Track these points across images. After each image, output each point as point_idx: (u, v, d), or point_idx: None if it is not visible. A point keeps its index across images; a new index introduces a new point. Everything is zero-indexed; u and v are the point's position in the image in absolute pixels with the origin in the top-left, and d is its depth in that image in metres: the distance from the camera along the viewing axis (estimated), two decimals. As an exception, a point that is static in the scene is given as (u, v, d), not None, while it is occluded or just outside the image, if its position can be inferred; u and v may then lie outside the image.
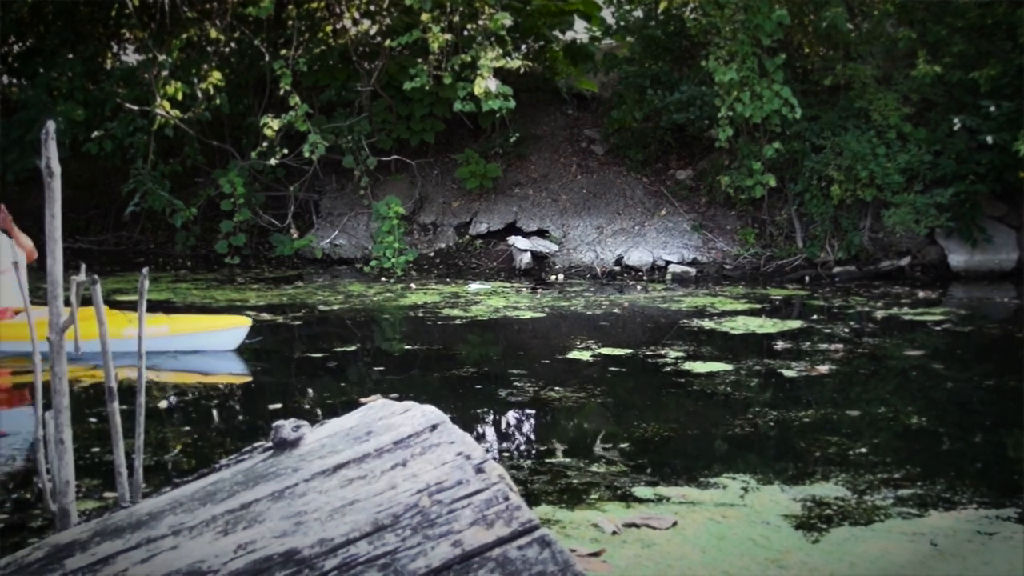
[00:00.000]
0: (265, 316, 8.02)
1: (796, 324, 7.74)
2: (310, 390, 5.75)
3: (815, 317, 8.25)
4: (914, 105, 11.34)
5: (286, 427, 1.92)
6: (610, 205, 12.66)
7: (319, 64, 12.88)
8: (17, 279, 2.17)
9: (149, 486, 2.28)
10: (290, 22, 12.93)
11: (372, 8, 13.10)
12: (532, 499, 3.50)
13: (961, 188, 10.61)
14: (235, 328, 6.52)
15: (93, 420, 4.60)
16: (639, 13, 12.99)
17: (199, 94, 12.52)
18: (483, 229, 12.66)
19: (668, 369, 5.99)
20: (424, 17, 11.15)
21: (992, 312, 9.03)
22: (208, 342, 6.42)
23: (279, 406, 5.23)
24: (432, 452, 1.77)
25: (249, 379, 6.11)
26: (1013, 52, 10.64)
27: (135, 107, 12.49)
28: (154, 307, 8.08)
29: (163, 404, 5.12)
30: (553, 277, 11.47)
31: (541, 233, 12.40)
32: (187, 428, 4.79)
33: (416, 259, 12.14)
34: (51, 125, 1.99)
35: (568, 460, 4.08)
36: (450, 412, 1.92)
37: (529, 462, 4.07)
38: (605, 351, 6.56)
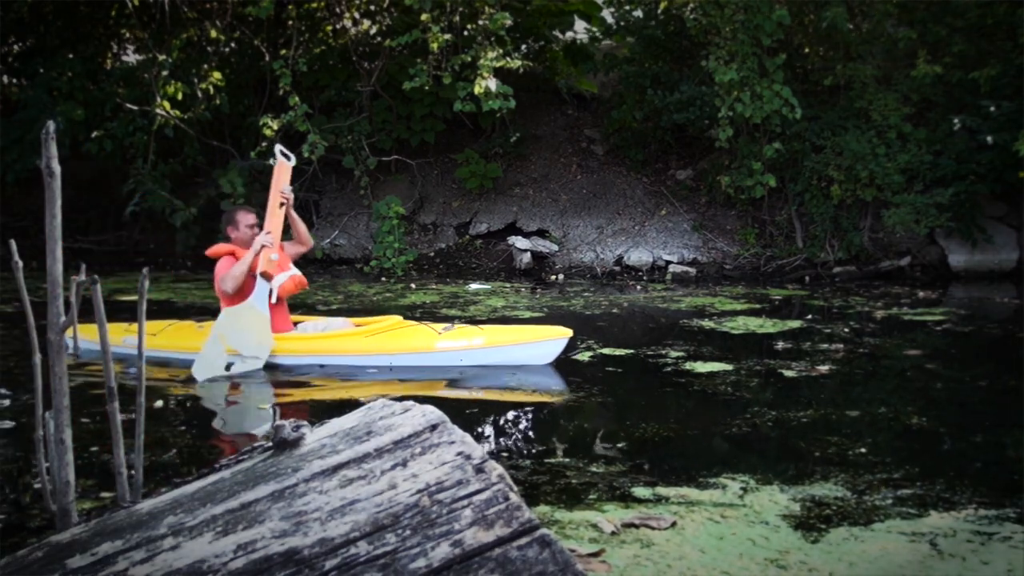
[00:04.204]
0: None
1: (796, 324, 7.74)
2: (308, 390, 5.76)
3: (815, 317, 8.25)
4: (914, 105, 11.35)
5: (286, 427, 1.92)
6: (610, 205, 12.67)
7: (319, 64, 12.89)
8: (16, 280, 2.17)
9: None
10: (290, 22, 12.94)
11: (372, 8, 13.11)
12: (531, 499, 3.50)
13: (961, 188, 10.61)
14: (554, 340, 6.06)
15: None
16: (639, 13, 12.99)
17: (199, 94, 12.52)
18: (483, 229, 12.67)
19: (668, 369, 5.99)
20: (424, 17, 11.15)
21: (992, 312, 9.03)
22: (525, 355, 6.01)
23: (266, 407, 5.24)
24: (432, 452, 1.77)
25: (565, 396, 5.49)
26: (1013, 52, 10.64)
27: (135, 107, 12.50)
28: (155, 307, 8.09)
29: (158, 404, 5.11)
30: (553, 277, 11.47)
31: (541, 233, 12.41)
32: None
33: (416, 259, 12.14)
34: (51, 125, 1.99)
35: (567, 460, 4.08)
36: (449, 412, 1.92)
37: (528, 462, 4.07)
38: (605, 351, 6.56)
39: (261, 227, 6.04)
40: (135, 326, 6.63)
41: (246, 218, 6.08)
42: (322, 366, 6.03)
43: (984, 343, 7.33)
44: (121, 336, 6.26)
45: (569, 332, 6.08)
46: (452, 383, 5.76)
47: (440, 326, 6.16)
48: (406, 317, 6.64)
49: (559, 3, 13.41)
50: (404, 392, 5.48)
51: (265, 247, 5.89)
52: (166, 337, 6.23)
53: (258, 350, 5.88)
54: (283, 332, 6.14)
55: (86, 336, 6.35)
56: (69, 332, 6.36)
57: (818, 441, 4.35)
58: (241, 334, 5.85)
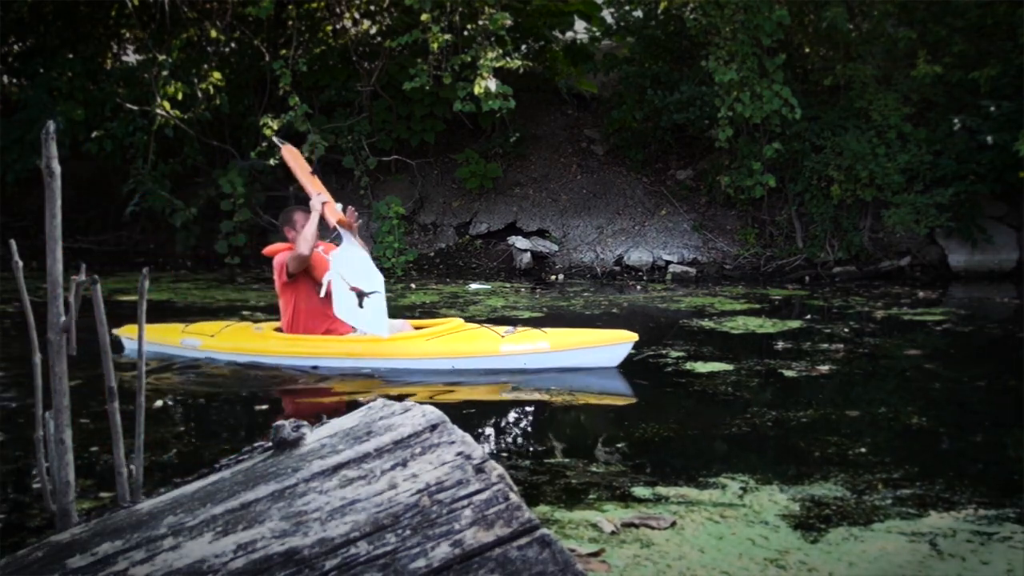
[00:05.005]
0: (260, 316, 8.01)
1: (796, 324, 7.74)
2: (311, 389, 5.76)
3: (815, 317, 8.25)
4: (914, 105, 11.35)
5: (286, 427, 1.92)
6: (610, 205, 12.67)
7: (319, 64, 12.89)
8: (16, 279, 2.17)
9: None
10: (290, 22, 12.94)
11: (372, 8, 13.11)
12: (531, 499, 3.50)
13: (961, 188, 10.62)
14: (619, 344, 5.95)
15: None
16: (639, 13, 12.99)
17: (199, 94, 12.52)
18: (483, 229, 12.67)
19: (668, 369, 5.99)
20: (424, 17, 11.15)
21: (992, 312, 9.03)
22: (590, 359, 5.93)
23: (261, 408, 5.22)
24: (432, 452, 1.77)
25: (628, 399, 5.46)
26: (1013, 52, 10.64)
27: (135, 107, 12.50)
28: (154, 307, 8.09)
29: (158, 404, 5.11)
30: (553, 277, 11.47)
31: (541, 233, 12.41)
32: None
33: (416, 259, 12.14)
34: (51, 125, 1.99)
35: (567, 460, 4.08)
36: (448, 412, 1.92)
37: (528, 462, 4.08)
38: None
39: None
40: (193, 326, 6.77)
41: (303, 218, 6.03)
42: (315, 367, 6.01)
43: (984, 343, 7.33)
44: (179, 337, 6.28)
45: (634, 336, 5.97)
46: (451, 385, 5.76)
47: (502, 329, 6.04)
48: (403, 318, 6.62)
49: (559, 3, 13.41)
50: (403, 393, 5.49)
51: (325, 203, 5.92)
52: (223, 338, 6.21)
53: (375, 285, 5.88)
54: (341, 334, 6.06)
55: (134, 336, 6.43)
56: (125, 331, 6.58)
57: (818, 441, 4.35)
58: (356, 272, 5.87)
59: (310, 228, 5.88)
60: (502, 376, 5.84)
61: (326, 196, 6.00)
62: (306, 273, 5.95)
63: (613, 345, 5.95)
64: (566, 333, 6.16)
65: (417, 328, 6.19)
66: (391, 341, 6.00)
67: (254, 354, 6.08)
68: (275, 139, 6.37)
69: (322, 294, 5.91)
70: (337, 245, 6.03)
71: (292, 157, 6.22)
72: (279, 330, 6.12)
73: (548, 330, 6.12)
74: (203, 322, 6.67)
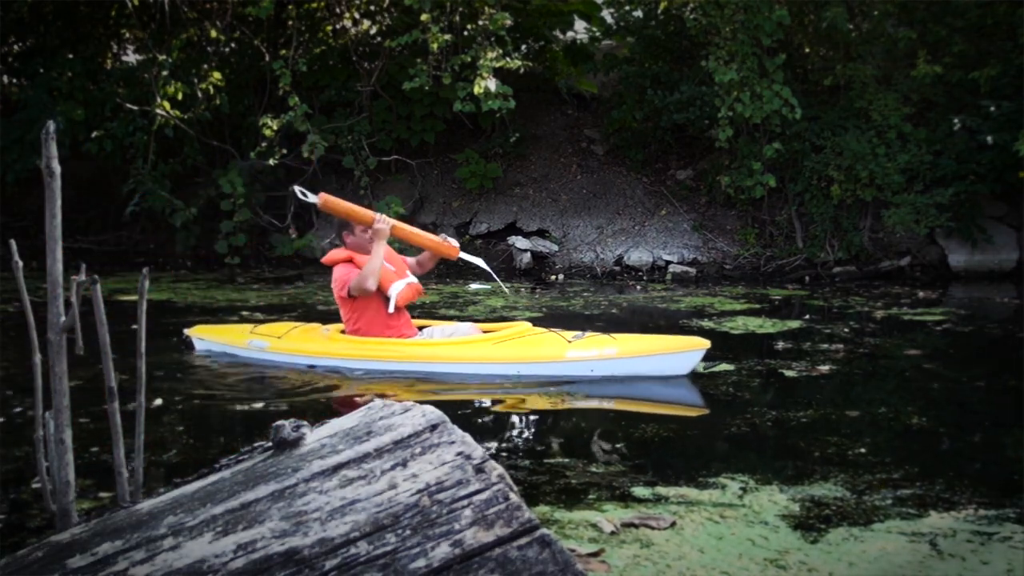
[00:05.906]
0: (260, 316, 8.02)
1: (796, 324, 7.74)
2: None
3: (815, 317, 8.25)
4: (914, 105, 11.35)
5: (286, 427, 1.92)
6: (610, 205, 12.67)
7: (319, 64, 12.89)
8: (16, 279, 2.17)
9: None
10: (290, 22, 12.94)
11: (372, 8, 13.11)
12: (531, 499, 3.50)
13: (961, 188, 10.62)
14: (690, 351, 5.70)
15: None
16: (639, 13, 13.00)
17: (199, 94, 12.52)
18: (483, 229, 12.67)
19: (668, 369, 5.99)
20: (424, 17, 11.15)
21: (992, 312, 9.03)
22: (660, 366, 5.72)
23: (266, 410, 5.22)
24: (432, 452, 1.77)
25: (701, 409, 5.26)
26: (1013, 52, 10.64)
27: (135, 107, 12.50)
28: (154, 307, 8.10)
29: (158, 402, 5.11)
30: (553, 277, 11.47)
31: (541, 233, 12.41)
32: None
33: (416, 259, 12.14)
34: (51, 125, 1.99)
35: (567, 460, 4.08)
36: (448, 412, 1.93)
37: (528, 462, 4.08)
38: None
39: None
40: (261, 328, 6.87)
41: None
42: (312, 367, 6.02)
43: (984, 343, 7.33)
44: (246, 339, 6.28)
45: (707, 343, 5.76)
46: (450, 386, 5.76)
47: (570, 334, 5.89)
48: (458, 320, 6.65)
49: (559, 3, 13.41)
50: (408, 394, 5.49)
51: (385, 223, 5.82)
52: (291, 340, 6.19)
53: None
54: (409, 337, 6.02)
55: (204, 336, 6.53)
56: (196, 331, 6.73)
57: (818, 441, 4.35)
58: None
59: (375, 261, 5.69)
60: (567, 383, 5.67)
61: (392, 220, 5.87)
62: None
63: (684, 352, 5.73)
64: (635, 339, 5.95)
65: (485, 332, 6.09)
66: (457, 345, 5.93)
67: (322, 357, 6.03)
68: (297, 189, 5.93)
69: (391, 309, 5.90)
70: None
71: (330, 203, 5.82)
72: (344, 332, 6.09)
73: (617, 335, 5.94)
74: (272, 323, 6.68)
